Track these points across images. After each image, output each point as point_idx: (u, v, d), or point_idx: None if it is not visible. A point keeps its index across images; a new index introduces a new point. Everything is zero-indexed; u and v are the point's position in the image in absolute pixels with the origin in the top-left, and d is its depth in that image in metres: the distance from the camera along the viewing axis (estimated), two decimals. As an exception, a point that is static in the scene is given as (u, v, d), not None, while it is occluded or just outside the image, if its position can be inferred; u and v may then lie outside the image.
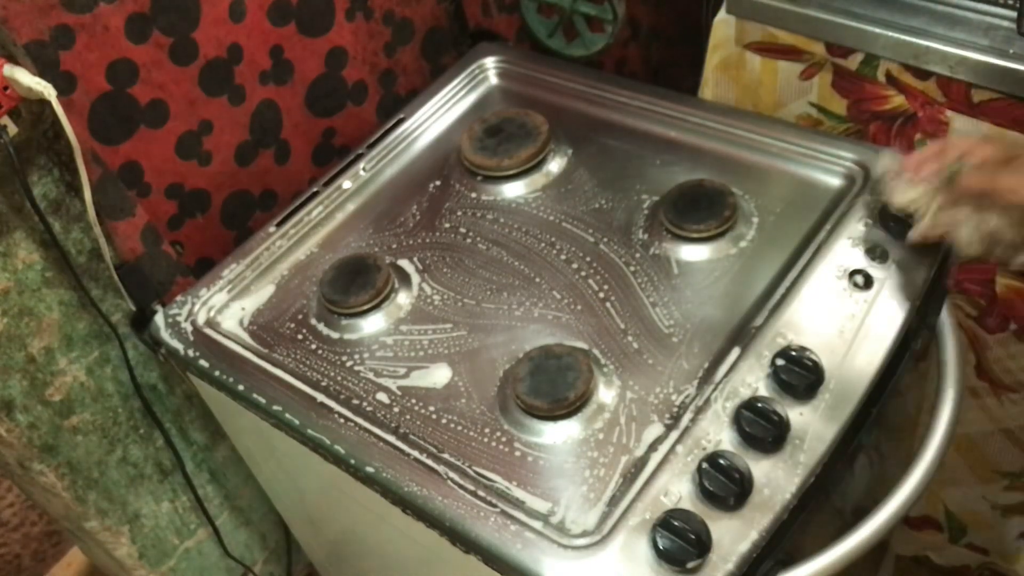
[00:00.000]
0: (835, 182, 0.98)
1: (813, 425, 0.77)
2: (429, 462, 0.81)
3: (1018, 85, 0.94)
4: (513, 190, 1.06)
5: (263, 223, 1.07)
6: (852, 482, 0.86)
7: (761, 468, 0.75)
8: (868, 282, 0.86)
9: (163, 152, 1.01)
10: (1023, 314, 1.09)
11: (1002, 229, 0.77)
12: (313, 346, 0.94)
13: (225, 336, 0.96)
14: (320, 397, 0.88)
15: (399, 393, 0.88)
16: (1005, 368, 1.14)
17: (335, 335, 0.95)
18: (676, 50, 1.60)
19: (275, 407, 0.89)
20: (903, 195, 0.85)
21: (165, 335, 0.97)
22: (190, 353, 0.95)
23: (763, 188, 0.99)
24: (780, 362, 0.80)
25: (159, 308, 1.00)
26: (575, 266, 0.96)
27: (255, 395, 0.90)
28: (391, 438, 0.83)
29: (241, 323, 0.98)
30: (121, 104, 0.95)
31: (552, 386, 0.83)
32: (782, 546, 0.74)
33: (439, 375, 0.89)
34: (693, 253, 0.94)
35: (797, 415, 0.78)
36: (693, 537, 0.70)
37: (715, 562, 0.70)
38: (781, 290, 0.87)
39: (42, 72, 0.84)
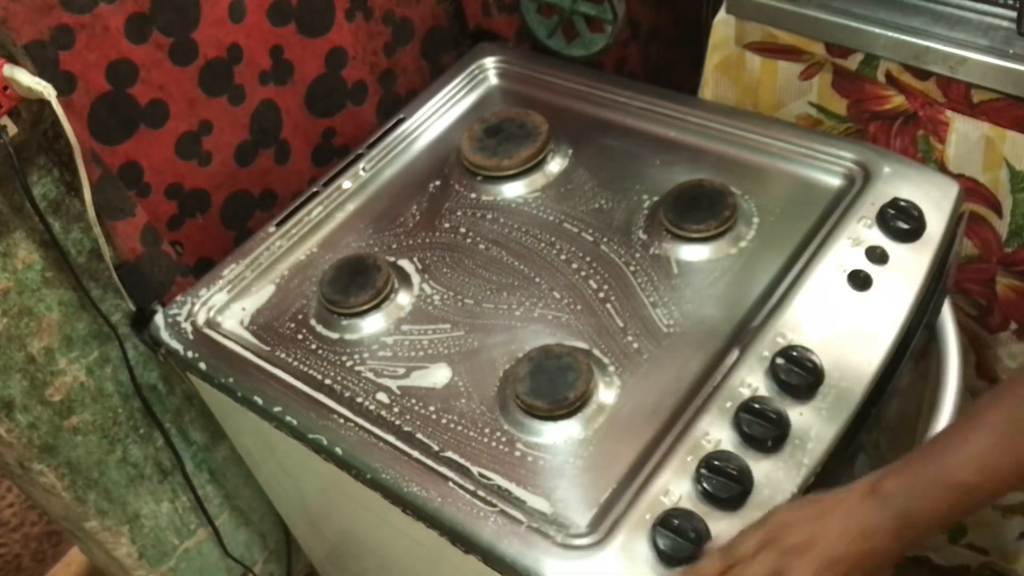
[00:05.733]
0: (835, 182, 0.98)
1: (813, 425, 0.77)
2: (429, 462, 0.81)
3: (1018, 85, 0.94)
4: (513, 190, 1.06)
5: (263, 223, 1.07)
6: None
7: (761, 468, 0.75)
8: (868, 282, 0.86)
9: (163, 152, 1.01)
10: (1023, 314, 1.09)
11: None
12: (313, 346, 0.94)
13: (225, 336, 0.96)
14: (320, 397, 0.88)
15: (399, 393, 0.88)
16: (1005, 368, 1.14)
17: (335, 335, 0.95)
18: (676, 50, 1.60)
19: (275, 408, 0.89)
20: None
21: (165, 335, 0.97)
22: (190, 353, 0.95)
23: (763, 188, 0.99)
24: (780, 362, 0.80)
25: (159, 308, 1.00)
26: (575, 266, 0.96)
27: (255, 396, 0.90)
28: (391, 438, 0.83)
29: (241, 323, 0.98)
30: (121, 104, 0.95)
31: (552, 386, 0.83)
32: (782, 546, 0.74)
33: (439, 375, 0.89)
34: (693, 253, 0.94)
35: (797, 415, 0.78)
36: (693, 536, 0.70)
37: (715, 562, 0.70)
38: (781, 290, 0.87)
39: (42, 72, 0.84)
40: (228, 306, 1.00)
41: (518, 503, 0.77)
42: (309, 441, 0.86)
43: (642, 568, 0.71)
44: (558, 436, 0.82)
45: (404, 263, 1.01)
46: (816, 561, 0.63)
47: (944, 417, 0.89)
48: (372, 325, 0.95)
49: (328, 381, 0.90)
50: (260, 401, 0.90)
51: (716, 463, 0.74)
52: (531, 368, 0.85)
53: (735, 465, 0.74)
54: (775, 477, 0.74)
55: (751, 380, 0.80)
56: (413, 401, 0.87)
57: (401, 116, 1.16)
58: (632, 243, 0.97)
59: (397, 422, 0.86)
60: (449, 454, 0.82)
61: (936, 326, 0.93)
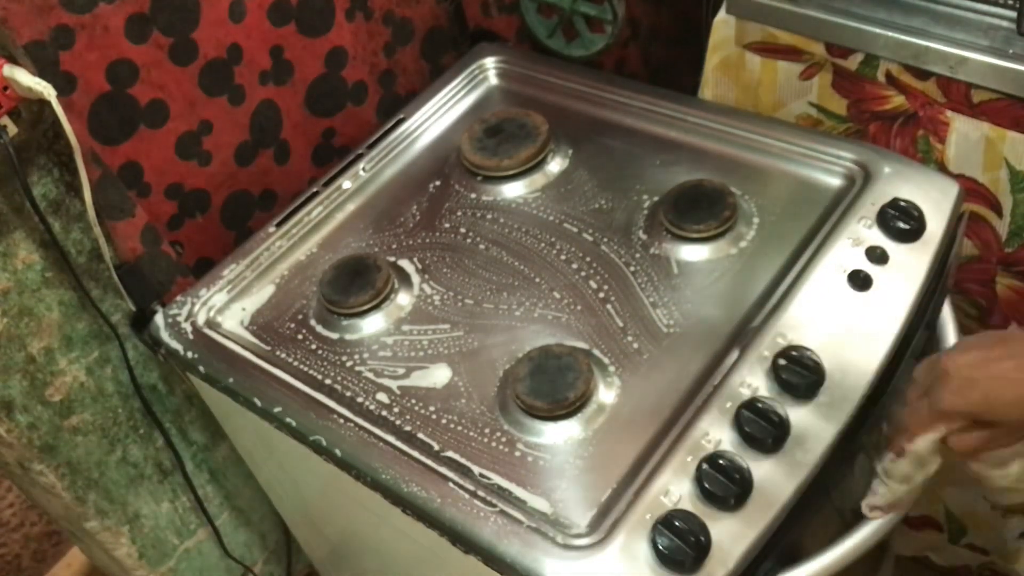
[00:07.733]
0: (835, 182, 0.98)
1: (813, 425, 0.77)
2: (429, 462, 0.81)
3: (1018, 85, 0.94)
4: (513, 190, 1.06)
5: (263, 223, 1.07)
6: (852, 482, 0.86)
7: (761, 468, 0.75)
8: (868, 282, 0.86)
9: (163, 152, 1.01)
10: (1023, 314, 1.09)
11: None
12: (313, 346, 0.94)
13: (225, 336, 0.96)
14: (320, 397, 0.88)
15: (399, 393, 0.88)
16: (1005, 368, 1.14)
17: (335, 335, 0.95)
18: (676, 50, 1.60)
19: (275, 408, 0.89)
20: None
21: (165, 335, 0.97)
22: (190, 354, 0.95)
23: (763, 188, 0.99)
24: (780, 362, 0.80)
25: (159, 308, 1.00)
26: (575, 266, 0.96)
27: (255, 396, 0.90)
28: (391, 438, 0.83)
29: (241, 323, 0.98)
30: (121, 104, 0.95)
31: (552, 386, 0.83)
32: (782, 546, 0.74)
33: (439, 375, 0.89)
34: (693, 253, 0.94)
35: (797, 415, 0.78)
36: (693, 538, 0.70)
37: (715, 562, 0.70)
38: (781, 290, 0.87)
39: (42, 72, 0.84)
40: (228, 306, 1.00)
41: (518, 503, 0.77)
42: (309, 442, 0.86)
43: (642, 568, 0.71)
44: (558, 436, 0.82)
45: (404, 263, 1.01)
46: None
47: (944, 417, 0.89)
48: (372, 325, 0.95)
49: (328, 381, 0.90)
50: (260, 402, 0.90)
51: (716, 463, 0.74)
52: (531, 368, 0.85)
53: (735, 465, 0.74)
54: (775, 477, 0.74)
55: (751, 380, 0.80)
56: (413, 401, 0.87)
57: (401, 116, 1.16)
58: (632, 243, 0.97)
59: (397, 422, 0.86)
60: (449, 454, 0.82)
61: (936, 326, 0.93)
